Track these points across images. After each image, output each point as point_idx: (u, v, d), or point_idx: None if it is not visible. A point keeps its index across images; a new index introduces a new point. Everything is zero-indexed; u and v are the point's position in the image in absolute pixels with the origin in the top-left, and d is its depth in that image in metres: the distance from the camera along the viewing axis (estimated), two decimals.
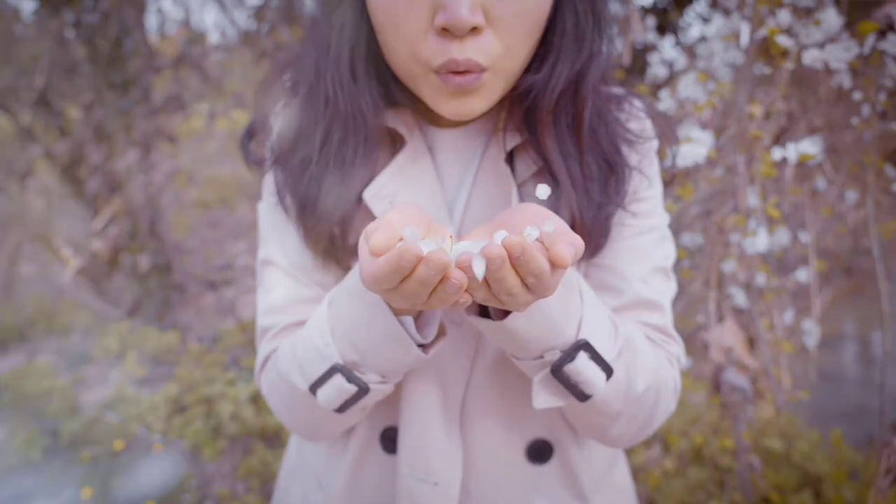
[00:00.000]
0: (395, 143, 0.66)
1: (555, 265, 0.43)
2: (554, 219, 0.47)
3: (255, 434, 2.49)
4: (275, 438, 2.49)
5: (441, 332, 0.60)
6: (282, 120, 0.68)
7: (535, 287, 0.44)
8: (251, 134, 0.72)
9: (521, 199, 0.64)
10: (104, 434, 2.51)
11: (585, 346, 0.55)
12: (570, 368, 0.55)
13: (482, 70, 0.55)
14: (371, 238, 0.43)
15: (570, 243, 0.44)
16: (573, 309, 0.55)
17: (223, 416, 2.47)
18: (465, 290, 0.44)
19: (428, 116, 0.68)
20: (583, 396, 0.57)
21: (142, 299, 3.70)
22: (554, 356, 0.55)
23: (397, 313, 0.55)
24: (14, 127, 3.54)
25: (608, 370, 0.57)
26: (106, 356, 3.24)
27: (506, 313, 0.54)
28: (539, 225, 0.46)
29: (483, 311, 0.58)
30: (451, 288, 0.42)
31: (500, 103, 0.65)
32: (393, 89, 0.63)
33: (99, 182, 3.61)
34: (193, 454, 2.44)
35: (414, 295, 0.44)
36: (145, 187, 3.58)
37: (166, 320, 3.64)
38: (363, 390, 0.58)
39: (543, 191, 0.49)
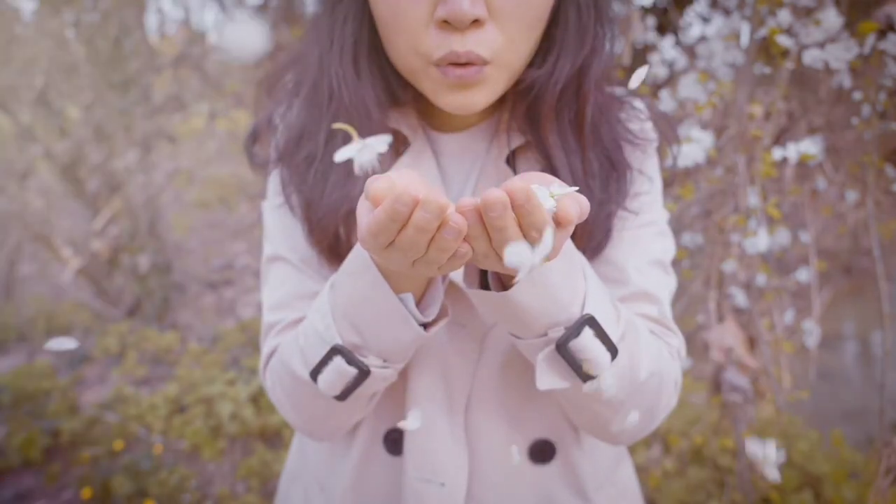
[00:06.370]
0: (400, 144, 0.66)
1: (559, 222, 0.42)
2: (558, 181, 0.45)
3: (255, 434, 2.49)
4: (275, 438, 2.49)
5: (443, 313, 0.59)
6: (286, 117, 0.68)
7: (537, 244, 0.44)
8: (255, 136, 0.72)
9: None
10: (104, 434, 2.51)
11: (590, 321, 0.54)
12: (575, 345, 0.54)
13: (484, 63, 0.55)
14: (370, 187, 0.42)
15: (575, 201, 0.43)
16: (577, 285, 0.54)
17: (223, 416, 2.47)
18: (465, 241, 0.43)
19: (431, 121, 0.68)
20: (587, 377, 0.56)
21: (142, 299, 3.70)
22: (558, 333, 0.54)
23: (397, 291, 0.54)
24: (14, 127, 3.54)
25: (613, 350, 0.55)
26: (106, 356, 3.24)
27: (507, 288, 0.53)
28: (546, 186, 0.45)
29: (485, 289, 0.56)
30: (449, 234, 0.41)
31: (503, 104, 0.65)
32: (395, 86, 0.63)
33: (99, 182, 3.61)
34: (193, 454, 2.44)
35: (412, 247, 0.42)
36: (145, 187, 3.58)
37: (166, 320, 3.64)
38: (364, 373, 0.57)
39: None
